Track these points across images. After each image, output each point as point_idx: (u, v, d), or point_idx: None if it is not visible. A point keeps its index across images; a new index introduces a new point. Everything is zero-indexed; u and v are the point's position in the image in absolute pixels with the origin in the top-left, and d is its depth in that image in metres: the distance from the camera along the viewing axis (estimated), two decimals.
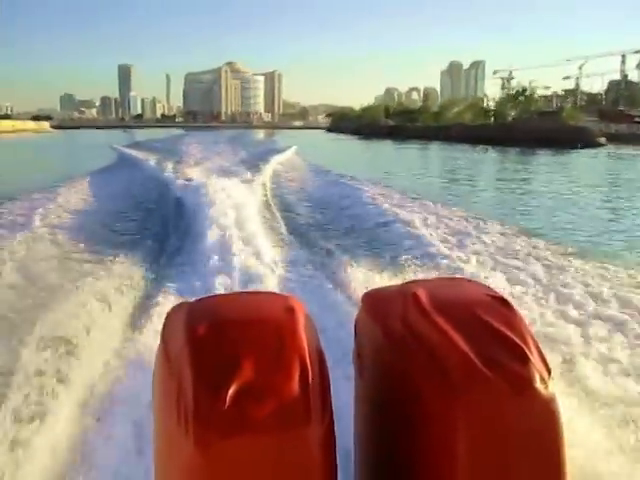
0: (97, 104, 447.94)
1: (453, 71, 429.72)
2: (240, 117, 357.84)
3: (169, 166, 23.78)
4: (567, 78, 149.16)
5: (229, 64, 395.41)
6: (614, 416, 4.16)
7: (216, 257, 8.71)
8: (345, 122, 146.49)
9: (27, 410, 4.22)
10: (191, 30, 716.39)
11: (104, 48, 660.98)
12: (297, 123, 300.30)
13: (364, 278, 7.47)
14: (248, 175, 20.55)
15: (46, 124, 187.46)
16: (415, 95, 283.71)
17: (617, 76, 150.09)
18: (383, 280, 7.12)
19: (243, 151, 36.69)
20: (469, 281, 1.72)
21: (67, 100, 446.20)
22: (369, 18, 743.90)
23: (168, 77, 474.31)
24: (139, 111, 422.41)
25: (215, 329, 1.27)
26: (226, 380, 1.14)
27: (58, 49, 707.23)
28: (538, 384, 1.22)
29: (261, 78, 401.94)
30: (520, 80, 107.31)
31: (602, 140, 70.57)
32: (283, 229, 12.09)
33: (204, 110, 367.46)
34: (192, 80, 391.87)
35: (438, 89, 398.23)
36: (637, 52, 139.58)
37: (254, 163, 25.80)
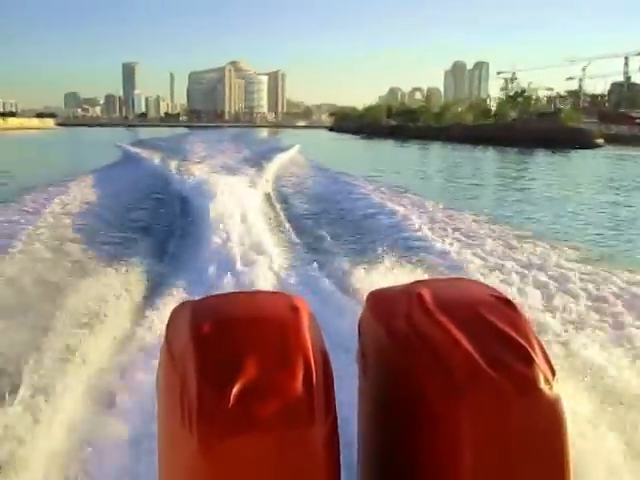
0: (101, 102, 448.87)
1: (457, 71, 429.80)
2: (244, 116, 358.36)
3: (173, 164, 23.81)
4: (570, 79, 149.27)
5: (233, 63, 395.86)
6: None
7: (220, 256, 8.72)
8: (347, 122, 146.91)
9: (30, 408, 4.23)
10: (193, 29, 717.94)
11: (108, 47, 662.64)
12: (301, 122, 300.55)
13: (368, 278, 7.47)
14: (252, 174, 20.57)
15: (51, 122, 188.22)
16: (419, 95, 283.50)
17: (620, 78, 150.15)
18: (387, 280, 7.13)
19: (247, 150, 36.74)
20: (473, 282, 1.72)
21: (71, 98, 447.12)
22: (373, 18, 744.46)
23: (172, 76, 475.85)
24: (143, 109, 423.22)
25: (219, 328, 1.27)
26: (230, 379, 1.14)
27: (62, 47, 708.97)
28: (542, 385, 1.22)
29: (265, 77, 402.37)
30: (524, 81, 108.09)
31: (599, 141, 71.59)
32: (287, 228, 12.11)
33: (208, 109, 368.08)
34: (196, 79, 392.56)
35: (442, 89, 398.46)
36: None
37: (258, 162, 25.81)
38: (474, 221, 13.34)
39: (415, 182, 27.06)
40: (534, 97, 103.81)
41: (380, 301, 1.56)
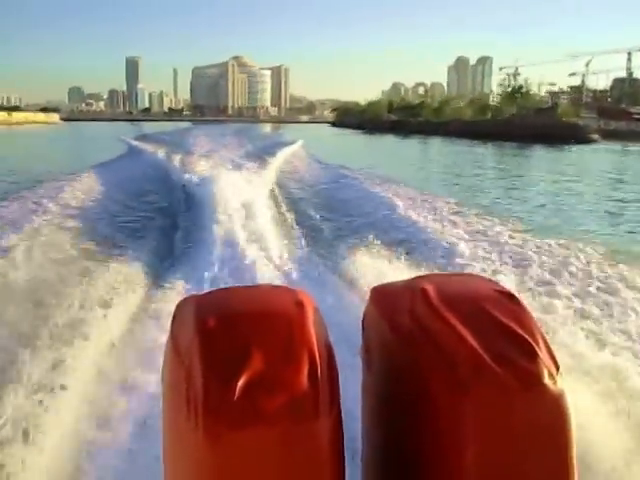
0: (105, 97, 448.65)
1: (460, 67, 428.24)
2: (247, 111, 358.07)
3: (177, 158, 23.76)
4: (573, 75, 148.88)
5: (236, 58, 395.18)
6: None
7: (224, 250, 8.73)
8: (349, 117, 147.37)
9: (34, 398, 4.24)
10: (196, 25, 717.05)
11: (112, 41, 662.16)
12: (304, 117, 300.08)
13: (372, 273, 7.46)
14: (255, 168, 20.54)
15: (56, 116, 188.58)
16: (422, 90, 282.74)
17: (623, 73, 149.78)
18: (391, 275, 7.12)
19: (250, 144, 36.70)
20: (477, 277, 1.72)
21: (75, 93, 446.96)
22: (376, 13, 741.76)
23: (175, 71, 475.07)
24: (146, 104, 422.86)
25: (224, 321, 1.28)
26: (235, 372, 1.15)
27: (65, 42, 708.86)
28: (547, 379, 1.22)
29: (268, 72, 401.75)
30: (527, 76, 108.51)
31: (595, 136, 72.42)
32: (291, 222, 12.10)
33: (211, 104, 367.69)
34: (199, 74, 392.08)
35: (445, 85, 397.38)
36: None
37: (261, 156, 25.77)
38: (478, 215, 13.33)
39: (414, 174, 27.30)
40: (532, 93, 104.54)
41: (384, 296, 1.56)
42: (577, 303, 6.89)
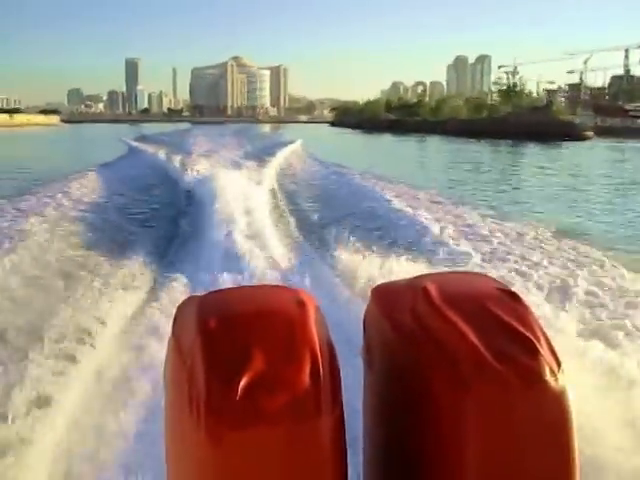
0: (104, 98, 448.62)
1: (459, 66, 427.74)
2: (246, 111, 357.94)
3: (177, 159, 23.80)
4: (571, 72, 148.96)
5: (235, 58, 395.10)
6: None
7: (225, 250, 8.73)
8: (348, 116, 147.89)
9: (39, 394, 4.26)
10: (195, 25, 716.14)
11: (111, 42, 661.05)
12: (303, 117, 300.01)
13: (373, 272, 7.46)
14: (255, 168, 20.57)
15: (56, 118, 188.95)
16: (421, 89, 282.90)
17: (621, 71, 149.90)
18: (393, 274, 7.12)
19: (249, 145, 36.76)
20: (479, 275, 1.72)
21: (74, 94, 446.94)
22: (376, 12, 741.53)
23: (174, 71, 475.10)
24: (146, 105, 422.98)
25: (226, 322, 1.28)
26: (237, 372, 1.15)
27: (65, 42, 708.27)
28: (548, 377, 1.22)
29: (267, 72, 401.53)
30: (526, 75, 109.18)
31: (589, 134, 73.35)
32: (291, 222, 12.12)
33: (210, 104, 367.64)
34: (198, 74, 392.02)
35: (444, 84, 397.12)
36: None
37: (260, 156, 25.82)
38: (479, 214, 13.34)
39: (415, 174, 27.41)
40: (527, 91, 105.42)
41: (385, 295, 1.56)
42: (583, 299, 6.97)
